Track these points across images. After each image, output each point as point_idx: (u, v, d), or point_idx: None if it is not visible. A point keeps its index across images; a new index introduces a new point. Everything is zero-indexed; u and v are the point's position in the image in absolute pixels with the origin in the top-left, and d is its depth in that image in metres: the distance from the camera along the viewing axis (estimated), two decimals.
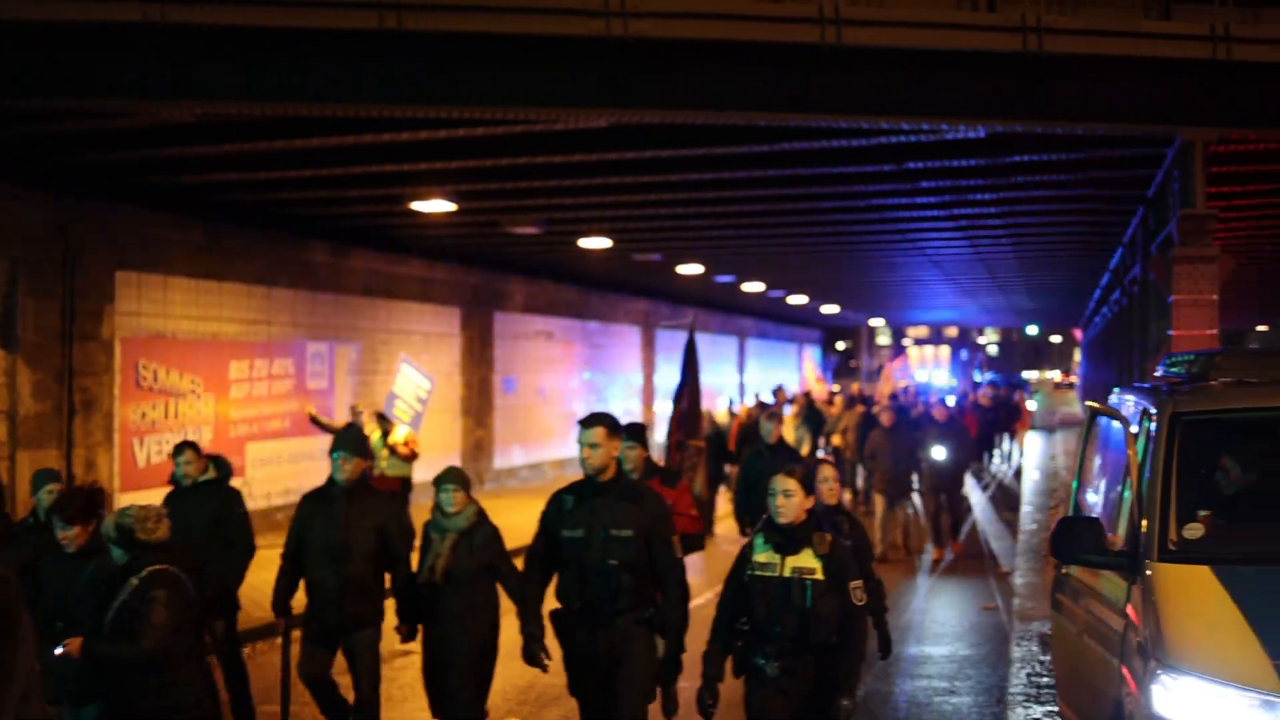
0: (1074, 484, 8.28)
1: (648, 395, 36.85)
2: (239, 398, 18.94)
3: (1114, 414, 6.95)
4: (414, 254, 23.82)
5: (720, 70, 11.97)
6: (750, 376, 48.06)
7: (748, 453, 14.21)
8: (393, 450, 17.26)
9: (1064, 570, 7.39)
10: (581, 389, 32.40)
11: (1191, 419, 6.48)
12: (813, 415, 24.31)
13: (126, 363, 16.69)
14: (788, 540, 6.24)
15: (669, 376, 38.42)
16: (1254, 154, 14.93)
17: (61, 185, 15.68)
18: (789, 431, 21.91)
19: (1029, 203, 18.90)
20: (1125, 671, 5.84)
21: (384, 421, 17.47)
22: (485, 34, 11.21)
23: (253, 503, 19.08)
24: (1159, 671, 5.40)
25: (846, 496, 21.56)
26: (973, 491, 23.26)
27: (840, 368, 69.09)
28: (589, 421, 6.87)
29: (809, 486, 6.43)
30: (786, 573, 6.19)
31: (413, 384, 16.85)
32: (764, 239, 23.57)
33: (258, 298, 19.42)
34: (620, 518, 6.76)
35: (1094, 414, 8.13)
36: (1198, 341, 13.78)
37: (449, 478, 8.15)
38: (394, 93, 11.58)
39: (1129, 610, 5.94)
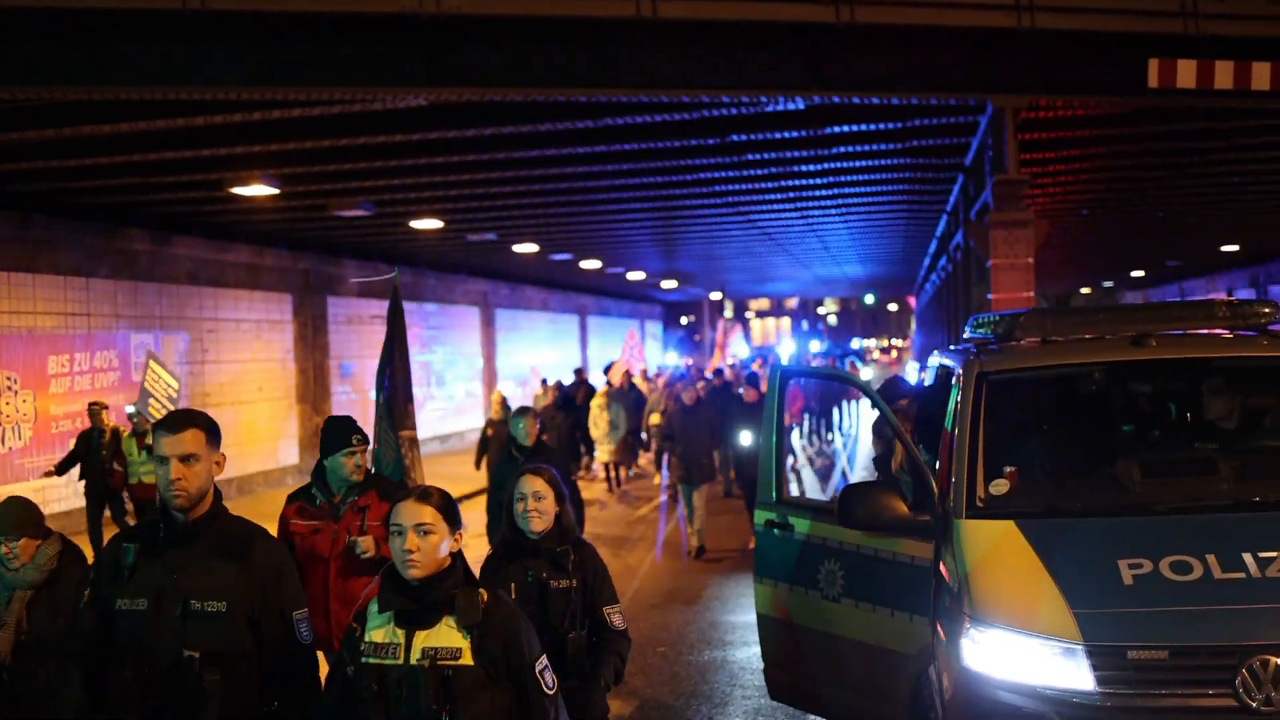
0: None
1: (489, 377, 36.64)
2: (60, 393, 18.32)
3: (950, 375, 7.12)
4: (241, 240, 23.29)
5: (534, 46, 11.93)
6: (593, 353, 48.13)
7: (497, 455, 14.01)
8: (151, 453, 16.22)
9: (779, 534, 7.23)
10: (422, 372, 32.05)
11: (996, 378, 6.63)
12: (630, 395, 23.83)
13: None
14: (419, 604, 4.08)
15: (510, 356, 38.35)
16: (1062, 120, 15.37)
17: None
18: (600, 414, 22.21)
19: (853, 173, 19.20)
20: (939, 628, 5.95)
21: (139, 422, 15.30)
22: (295, 13, 10.99)
23: (79, 499, 18.58)
24: (969, 626, 5.52)
25: (656, 480, 21.87)
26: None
27: (684, 342, 69.58)
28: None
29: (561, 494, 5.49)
30: (413, 658, 4.04)
31: (163, 382, 15.63)
32: (597, 216, 23.55)
33: (75, 289, 18.78)
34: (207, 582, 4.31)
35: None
36: (1015, 304, 14.15)
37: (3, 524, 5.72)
38: (202, 75, 11.28)
39: (940, 569, 6.05)
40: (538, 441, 10.35)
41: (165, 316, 21.04)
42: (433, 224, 22.42)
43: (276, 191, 17.33)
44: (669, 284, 46.23)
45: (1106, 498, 6.17)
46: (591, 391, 24.84)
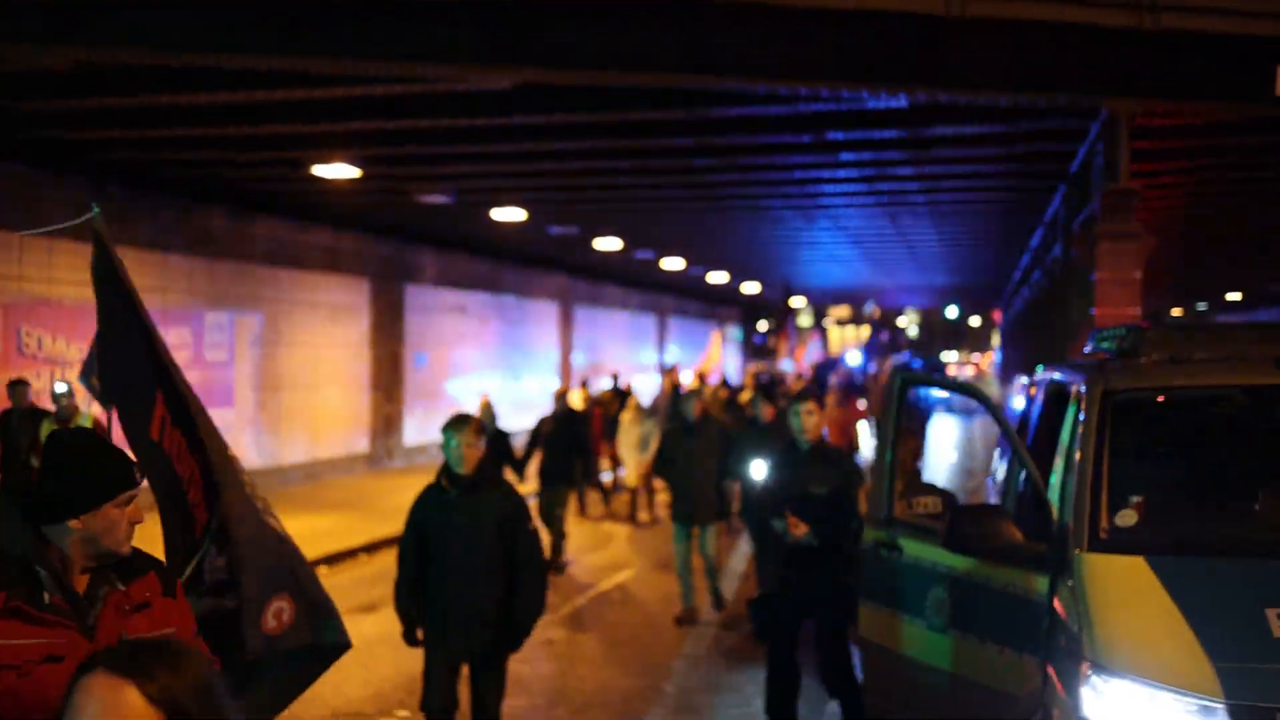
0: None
1: (565, 373, 36.22)
2: None
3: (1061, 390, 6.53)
4: (321, 222, 23.01)
5: (627, 29, 11.35)
6: (672, 354, 47.62)
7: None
8: None
9: (889, 555, 6.79)
10: (497, 365, 31.72)
11: (1124, 398, 6.02)
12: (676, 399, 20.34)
13: (7, 329, 15.82)
14: None
15: (586, 354, 37.92)
16: (1173, 128, 14.55)
17: None
18: (631, 428, 18.22)
19: (951, 178, 18.53)
20: (1051, 671, 5.36)
21: (65, 405, 12.80)
22: None
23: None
24: (1090, 673, 4.93)
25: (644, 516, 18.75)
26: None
27: (761, 348, 68.91)
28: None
29: None
30: None
31: None
32: (682, 212, 23.01)
33: (151, 263, 18.53)
34: None
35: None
36: (1120, 321, 13.45)
37: None
38: (284, 44, 10.81)
39: (1056, 605, 5.45)
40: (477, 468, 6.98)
41: (241, 295, 20.78)
42: (515, 214, 21.99)
43: (358, 173, 16.97)
44: (750, 287, 45.54)
45: (1250, 536, 5.54)
46: (623, 401, 20.96)
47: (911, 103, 13.14)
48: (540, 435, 15.22)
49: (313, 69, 11.31)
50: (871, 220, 24.05)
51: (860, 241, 28.53)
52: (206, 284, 19.85)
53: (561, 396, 15.82)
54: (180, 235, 19.18)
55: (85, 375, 11.87)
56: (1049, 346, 21.67)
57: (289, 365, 22.23)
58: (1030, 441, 7.43)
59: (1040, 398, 8.05)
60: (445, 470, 6.86)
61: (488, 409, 15.41)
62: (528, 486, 16.25)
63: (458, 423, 6.84)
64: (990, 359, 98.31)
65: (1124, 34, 11.93)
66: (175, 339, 18.90)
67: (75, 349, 16.93)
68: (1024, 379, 9.29)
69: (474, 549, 6.70)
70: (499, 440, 14.03)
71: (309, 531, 16.52)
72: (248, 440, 20.90)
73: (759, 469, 10.51)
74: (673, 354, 47.87)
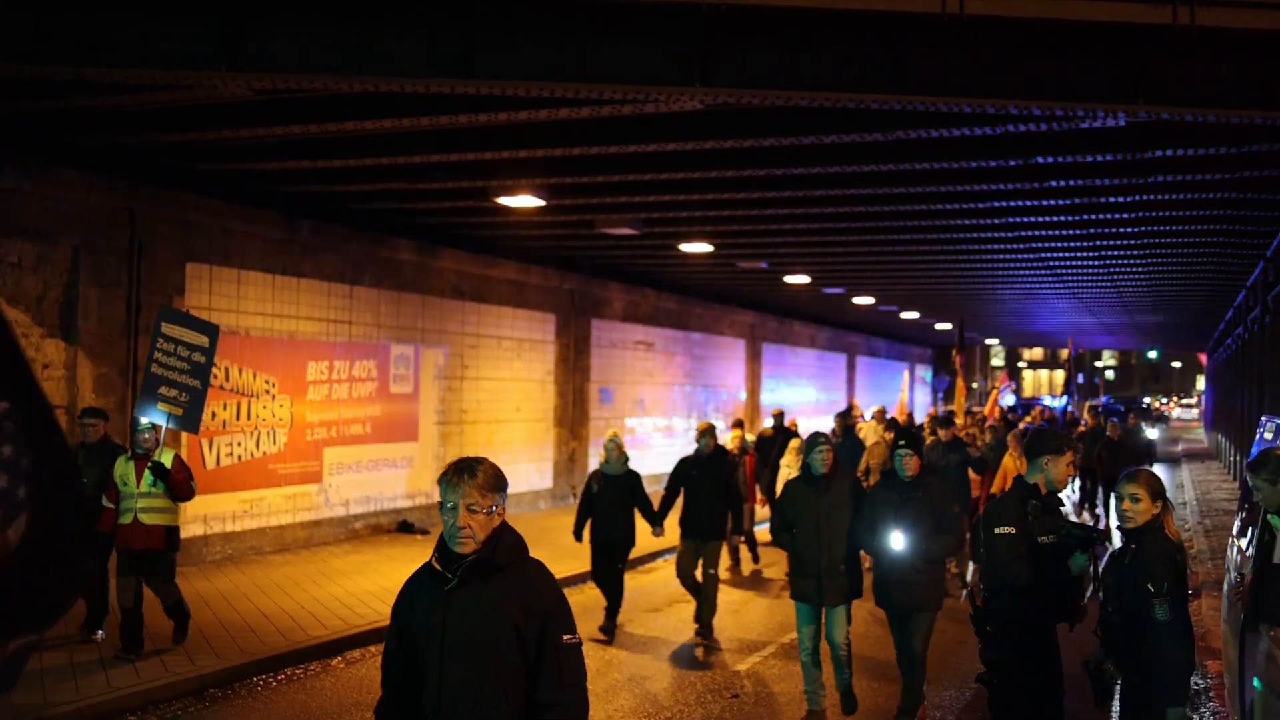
0: None
1: (752, 411, 35.53)
2: (317, 400, 18.05)
3: None
4: (506, 256, 22.86)
5: (824, 45, 10.73)
6: (861, 395, 46.53)
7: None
8: (160, 476, 11.00)
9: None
10: (683, 402, 31.21)
11: None
12: (845, 443, 18.81)
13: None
14: None
15: (774, 393, 37.16)
16: None
17: (130, 170, 14.93)
18: (791, 471, 15.65)
19: (1168, 207, 17.32)
20: None
21: (145, 440, 11.18)
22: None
23: (330, 510, 18.27)
24: None
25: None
26: None
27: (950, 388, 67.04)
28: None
29: None
30: None
31: (182, 349, 11.18)
32: (875, 245, 22.15)
33: (339, 296, 18.53)
34: None
35: None
36: None
37: None
38: (456, 67, 10.48)
39: None
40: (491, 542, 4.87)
41: (426, 329, 20.68)
42: (702, 247, 21.50)
43: (543, 203, 16.65)
44: (943, 325, 44.18)
45: None
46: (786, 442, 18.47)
47: (1130, 122, 12.17)
48: (681, 479, 13.50)
49: (495, 91, 10.93)
50: (1075, 254, 22.81)
51: (1061, 277, 27.20)
52: (392, 317, 19.78)
53: (706, 433, 13.75)
54: (368, 268, 19.16)
55: (143, 400, 11.18)
56: (1273, 387, 20.20)
57: (473, 399, 22.06)
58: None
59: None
60: (441, 547, 4.59)
61: (616, 445, 13.39)
62: (666, 539, 15.40)
63: (460, 473, 4.55)
64: (1196, 403, 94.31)
65: None
66: (361, 371, 18.86)
67: (263, 380, 16.94)
68: (1267, 419, 8.32)
69: (475, 667, 4.39)
70: (629, 483, 13.20)
71: None
72: (431, 474, 20.75)
73: (899, 540, 9.27)
74: (863, 394, 46.78)
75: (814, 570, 9.56)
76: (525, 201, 16.45)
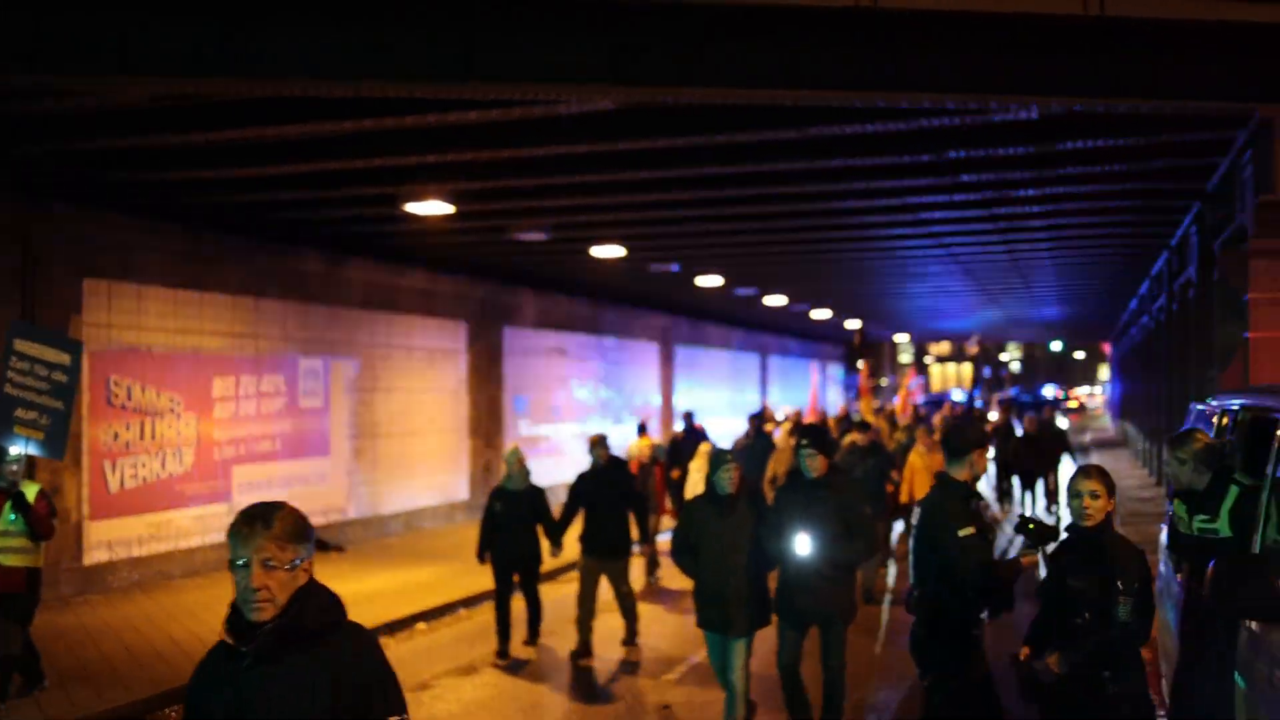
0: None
1: (667, 415, 35.38)
2: (224, 417, 17.55)
3: None
4: (416, 264, 22.48)
5: (740, 41, 10.55)
6: (774, 395, 46.61)
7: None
8: (21, 509, 9.73)
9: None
10: (598, 408, 30.98)
11: None
12: (758, 444, 18.74)
13: (96, 379, 15.32)
14: None
15: (688, 395, 37.04)
16: None
17: (21, 183, 14.36)
18: (701, 478, 14.94)
19: (1077, 199, 17.41)
20: None
21: (9, 466, 9.81)
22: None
23: None
24: None
25: None
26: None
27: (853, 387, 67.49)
28: None
29: None
30: None
31: (39, 369, 9.98)
32: (789, 245, 22.09)
33: (244, 309, 18.05)
34: None
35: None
36: (1277, 344, 12.34)
37: None
38: (376, 69, 10.17)
39: None
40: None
41: (336, 341, 20.24)
42: (614, 250, 21.28)
43: (452, 210, 16.35)
44: (854, 323, 44.41)
45: None
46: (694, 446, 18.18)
47: (1043, 114, 12.14)
48: (578, 496, 12.59)
49: (403, 93, 10.64)
50: (985, 248, 22.93)
51: (971, 272, 27.39)
52: (300, 329, 19.33)
53: (597, 445, 12.95)
54: (273, 280, 18.69)
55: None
56: (1181, 374, 20.43)
57: (386, 411, 21.65)
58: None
59: (1227, 424, 7.10)
60: (233, 615, 3.64)
61: (517, 460, 12.61)
62: (565, 556, 14.59)
63: (252, 521, 3.61)
64: (1098, 393, 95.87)
65: (1275, 31, 10.92)
66: (269, 386, 18.40)
67: (166, 398, 16.44)
68: (1199, 406, 8.28)
69: None
70: (533, 500, 12.44)
71: (407, 585, 15.85)
72: (344, 489, 20.32)
73: (804, 543, 8.53)
74: (776, 394, 46.85)
75: (718, 598, 8.65)
76: (435, 208, 16.13)
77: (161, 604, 14.63)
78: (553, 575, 16.18)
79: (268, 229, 18.38)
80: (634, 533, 13.21)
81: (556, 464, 27.64)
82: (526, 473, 12.64)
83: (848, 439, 16.73)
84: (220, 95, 11.31)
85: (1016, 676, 6.08)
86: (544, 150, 13.21)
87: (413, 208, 16.10)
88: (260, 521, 3.58)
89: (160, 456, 16.35)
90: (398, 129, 12.43)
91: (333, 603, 3.73)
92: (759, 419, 20.36)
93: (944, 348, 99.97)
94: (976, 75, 11.12)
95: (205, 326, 17.24)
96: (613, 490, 12.62)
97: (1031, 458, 22.18)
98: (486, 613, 14.25)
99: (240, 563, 3.56)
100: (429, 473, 22.83)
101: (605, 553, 12.46)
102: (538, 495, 12.54)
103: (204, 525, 17.08)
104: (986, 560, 6.66)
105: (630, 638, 12.75)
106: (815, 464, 8.71)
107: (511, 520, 12.41)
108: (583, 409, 30.05)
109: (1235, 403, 7.14)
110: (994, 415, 35.84)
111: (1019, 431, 23.72)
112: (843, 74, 10.80)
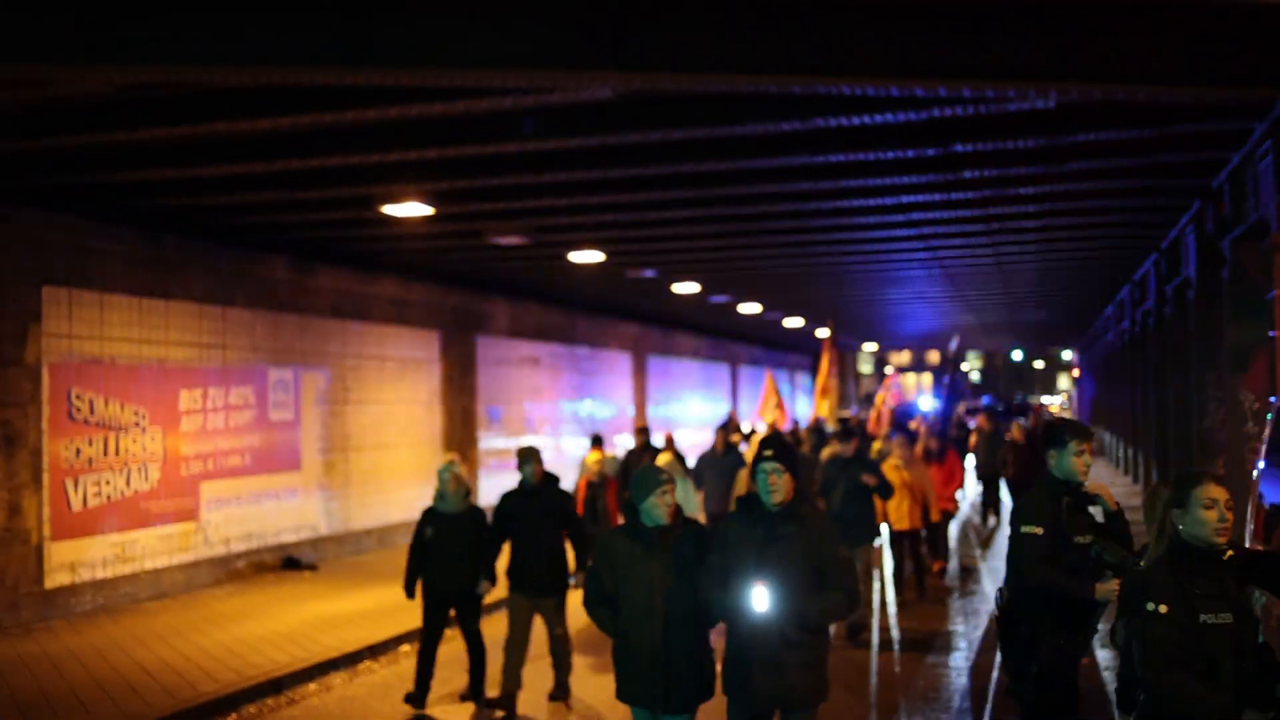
0: None
1: (641, 424, 34.68)
2: (191, 431, 16.75)
3: None
4: (387, 272, 21.74)
5: (748, 24, 9.92)
6: (745, 405, 46.03)
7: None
8: None
9: None
10: (571, 419, 30.26)
11: None
12: (727, 460, 16.87)
13: (56, 392, 14.51)
14: None
15: (662, 405, 36.42)
16: None
17: None
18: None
19: (1072, 198, 16.85)
20: None
21: None
22: None
23: (209, 549, 16.98)
24: None
25: None
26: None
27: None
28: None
29: None
30: None
31: None
32: (773, 250, 21.41)
33: (210, 318, 17.25)
34: None
35: None
36: None
37: None
38: (347, 53, 9.46)
39: None
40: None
41: (306, 351, 19.46)
42: (593, 256, 20.60)
43: (431, 212, 15.63)
44: (824, 332, 43.82)
45: None
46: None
47: (1060, 103, 11.55)
48: (505, 519, 10.79)
49: (388, 81, 9.95)
50: (972, 250, 22.36)
51: (953, 276, 26.84)
52: (269, 339, 18.55)
53: (527, 459, 10.93)
54: (240, 288, 17.91)
55: None
56: (1180, 379, 19.93)
57: (358, 424, 20.89)
58: None
59: None
60: None
61: (453, 476, 10.87)
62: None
63: None
64: (1065, 401, 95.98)
65: None
66: (238, 398, 17.63)
67: (131, 411, 15.64)
68: None
69: None
70: (471, 522, 10.75)
71: (383, 606, 15.01)
72: (316, 505, 19.53)
73: (761, 597, 6.35)
74: (747, 404, 46.26)
75: (646, 662, 6.78)
76: (413, 210, 15.42)
77: (129, 629, 13.81)
78: (490, 609, 14.16)
79: (234, 234, 17.60)
80: (572, 563, 11.11)
81: None
82: (465, 491, 10.84)
83: (827, 451, 15.61)
84: (191, 86, 10.57)
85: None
86: (533, 145, 12.50)
87: (390, 210, 15.38)
88: None
89: (125, 473, 15.54)
90: (380, 121, 11.75)
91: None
92: (727, 429, 18.43)
93: (904, 358, 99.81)
94: (989, 60, 10.56)
95: (171, 336, 16.45)
96: (545, 513, 10.72)
97: (1023, 468, 21.58)
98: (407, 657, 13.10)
99: None
100: (402, 487, 22.05)
101: (534, 588, 10.67)
102: (478, 518, 10.85)
103: (171, 545, 16.28)
104: (1044, 558, 6.05)
105: (559, 691, 10.98)
106: (780, 484, 6.49)
107: (446, 547, 10.63)
108: (556, 420, 29.34)
109: None
110: (972, 424, 35.04)
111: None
112: (856, 59, 10.21)
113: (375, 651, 13.01)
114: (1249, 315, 14.16)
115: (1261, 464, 8.96)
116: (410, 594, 10.83)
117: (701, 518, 13.12)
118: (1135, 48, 10.76)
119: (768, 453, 6.51)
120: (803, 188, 15.26)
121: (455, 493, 10.74)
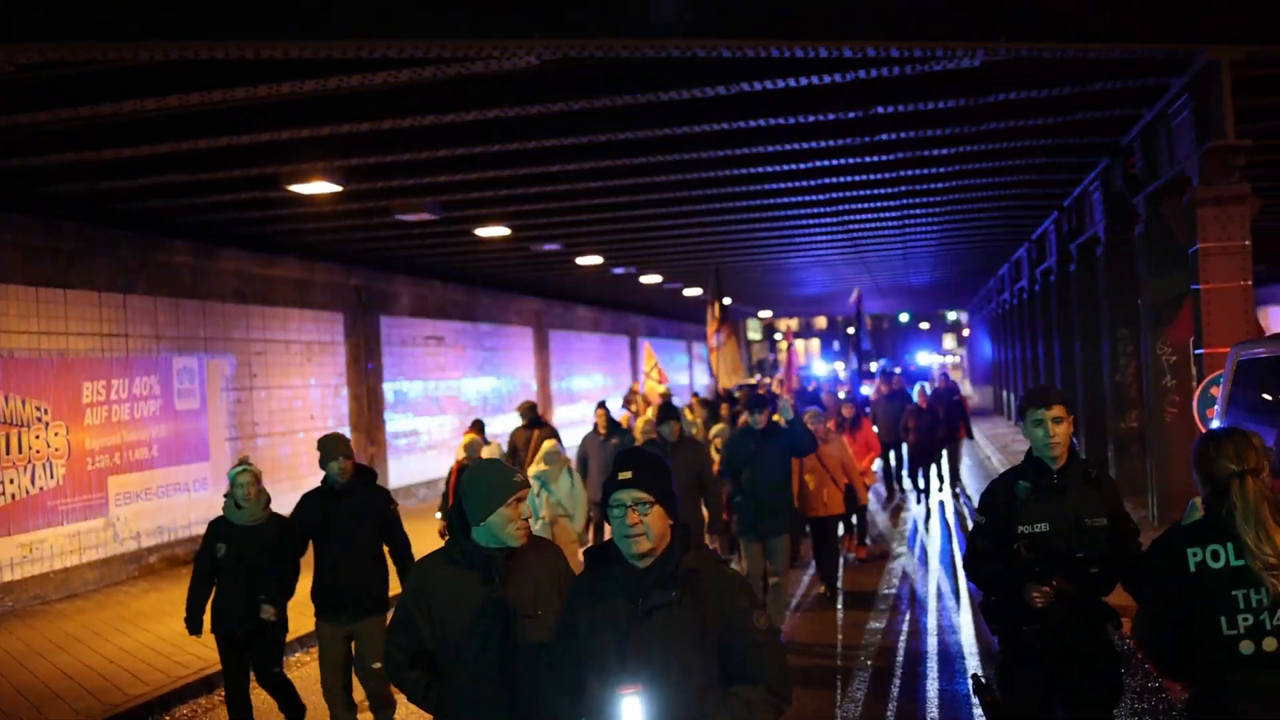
0: None
1: (544, 400, 34.44)
2: (96, 424, 16.15)
3: None
4: (289, 253, 21.19)
5: None
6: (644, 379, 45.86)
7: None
8: None
9: None
10: (477, 397, 29.89)
11: None
12: (607, 450, 14.70)
13: None
14: None
15: (564, 380, 36.15)
16: (1268, 81, 12.93)
17: None
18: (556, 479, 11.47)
19: (985, 158, 16.88)
20: None
21: None
22: None
23: (120, 545, 16.42)
24: None
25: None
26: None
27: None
28: None
29: None
30: None
31: None
32: (677, 219, 21.21)
33: (111, 307, 16.64)
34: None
35: None
36: (1231, 295, 11.94)
37: None
38: (266, 25, 9.09)
39: None
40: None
41: (210, 337, 18.89)
42: (499, 231, 20.27)
43: (339, 189, 15.21)
44: (727, 300, 43.81)
45: None
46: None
47: (986, 62, 11.51)
48: (305, 530, 8.38)
49: (304, 54, 9.57)
50: (880, 214, 22.36)
51: (856, 240, 26.86)
52: (172, 326, 17.95)
53: (332, 450, 8.37)
54: (141, 275, 17.29)
55: None
56: (1087, 336, 20.13)
57: (265, 410, 20.36)
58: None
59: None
60: None
61: (251, 479, 8.68)
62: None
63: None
64: (956, 361, 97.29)
65: None
66: (142, 388, 17.04)
67: (33, 407, 15.02)
68: (1244, 355, 7.67)
69: None
70: (273, 536, 8.53)
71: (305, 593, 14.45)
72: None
73: (632, 709, 3.93)
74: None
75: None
76: (320, 188, 14.99)
77: (44, 633, 13.26)
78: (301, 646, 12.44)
79: (133, 219, 17.00)
80: (393, 581, 8.63)
81: (437, 458, 26.56)
82: (266, 499, 8.66)
83: (742, 420, 13.97)
84: (95, 63, 10.09)
85: None
86: (451, 117, 12.17)
87: (297, 189, 14.93)
88: None
89: (29, 471, 14.94)
90: (294, 95, 11.34)
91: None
92: (606, 407, 15.58)
93: (793, 323, 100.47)
94: (925, 20, 10.49)
95: (71, 327, 15.83)
96: (358, 519, 8.26)
97: (926, 434, 21.07)
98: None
99: None
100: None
101: (348, 612, 8.25)
102: (281, 529, 8.57)
103: (80, 542, 15.70)
104: (979, 551, 5.64)
105: None
106: (647, 526, 4.10)
107: (241, 570, 8.42)
108: (461, 399, 28.96)
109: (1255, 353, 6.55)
110: (867, 390, 33.70)
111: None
112: (786, 21, 10.07)
113: (305, 642, 12.61)
114: (1170, 269, 14.29)
115: (1217, 423, 9.00)
116: (195, 629, 8.52)
117: (582, 517, 11.49)
118: (1063, 6, 10.79)
119: (624, 474, 4.14)
120: (719, 155, 15.12)
121: (255, 502, 8.54)
